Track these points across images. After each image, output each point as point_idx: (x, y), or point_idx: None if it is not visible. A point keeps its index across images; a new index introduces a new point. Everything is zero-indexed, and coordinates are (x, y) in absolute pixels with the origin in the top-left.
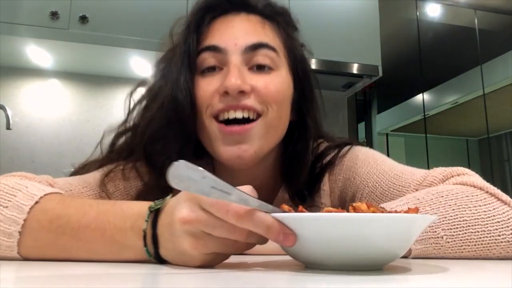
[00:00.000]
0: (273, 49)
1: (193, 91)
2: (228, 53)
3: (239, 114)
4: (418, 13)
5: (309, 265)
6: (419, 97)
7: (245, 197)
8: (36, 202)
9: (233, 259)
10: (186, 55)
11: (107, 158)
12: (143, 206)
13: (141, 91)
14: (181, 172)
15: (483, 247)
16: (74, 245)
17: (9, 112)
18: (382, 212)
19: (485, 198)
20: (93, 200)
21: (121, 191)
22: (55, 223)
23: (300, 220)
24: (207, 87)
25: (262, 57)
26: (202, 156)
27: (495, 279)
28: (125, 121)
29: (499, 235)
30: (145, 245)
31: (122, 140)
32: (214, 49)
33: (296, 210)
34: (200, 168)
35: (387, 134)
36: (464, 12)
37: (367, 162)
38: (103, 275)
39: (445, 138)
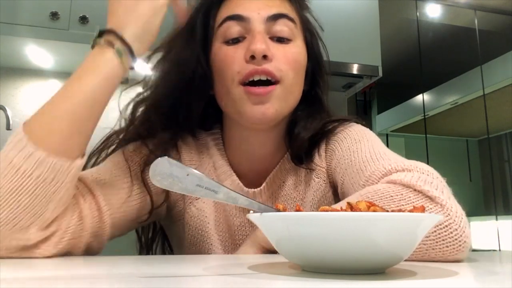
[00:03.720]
0: (291, 19)
1: (217, 58)
2: (252, 21)
3: (263, 77)
4: (418, 13)
5: (306, 267)
6: (419, 97)
7: (234, 195)
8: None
9: (228, 261)
10: (204, 29)
11: (129, 132)
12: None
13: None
14: (164, 169)
15: None
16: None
17: (9, 113)
18: (386, 211)
19: (409, 197)
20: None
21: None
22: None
23: (294, 219)
24: (235, 54)
25: (281, 27)
26: (210, 128)
27: (503, 281)
28: (143, 89)
29: None
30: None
31: (141, 109)
32: (238, 18)
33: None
34: (184, 165)
35: (387, 134)
36: (464, 12)
37: (352, 138)
38: (104, 276)
39: (445, 139)
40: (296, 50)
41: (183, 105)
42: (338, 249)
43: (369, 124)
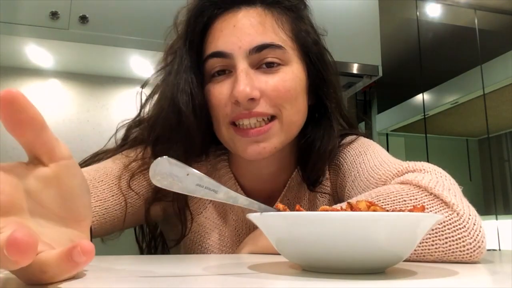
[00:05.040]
0: (278, 46)
1: (203, 97)
2: (234, 57)
3: (252, 121)
4: (418, 13)
5: (306, 267)
6: (419, 97)
7: (234, 194)
8: None
9: (228, 261)
10: (191, 63)
11: (121, 150)
12: None
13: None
14: (164, 169)
15: (416, 256)
16: None
17: None
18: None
19: (424, 202)
20: None
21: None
22: None
23: (294, 219)
24: (220, 96)
25: (268, 57)
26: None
27: (503, 281)
28: (138, 114)
29: (432, 244)
30: None
31: (135, 132)
32: (220, 55)
33: (292, 209)
34: (184, 165)
35: (387, 134)
36: (464, 12)
37: (357, 151)
38: (104, 275)
39: (445, 138)
40: (289, 77)
41: (184, 129)
42: (338, 249)
43: (369, 124)
